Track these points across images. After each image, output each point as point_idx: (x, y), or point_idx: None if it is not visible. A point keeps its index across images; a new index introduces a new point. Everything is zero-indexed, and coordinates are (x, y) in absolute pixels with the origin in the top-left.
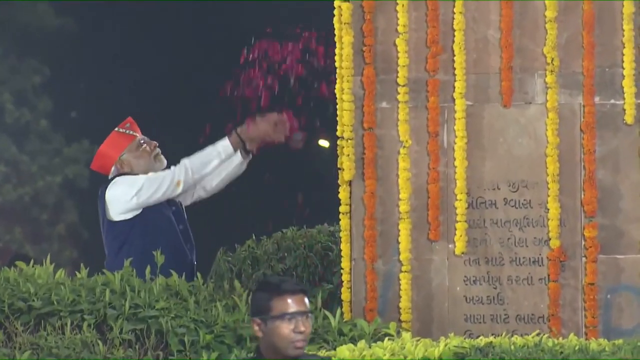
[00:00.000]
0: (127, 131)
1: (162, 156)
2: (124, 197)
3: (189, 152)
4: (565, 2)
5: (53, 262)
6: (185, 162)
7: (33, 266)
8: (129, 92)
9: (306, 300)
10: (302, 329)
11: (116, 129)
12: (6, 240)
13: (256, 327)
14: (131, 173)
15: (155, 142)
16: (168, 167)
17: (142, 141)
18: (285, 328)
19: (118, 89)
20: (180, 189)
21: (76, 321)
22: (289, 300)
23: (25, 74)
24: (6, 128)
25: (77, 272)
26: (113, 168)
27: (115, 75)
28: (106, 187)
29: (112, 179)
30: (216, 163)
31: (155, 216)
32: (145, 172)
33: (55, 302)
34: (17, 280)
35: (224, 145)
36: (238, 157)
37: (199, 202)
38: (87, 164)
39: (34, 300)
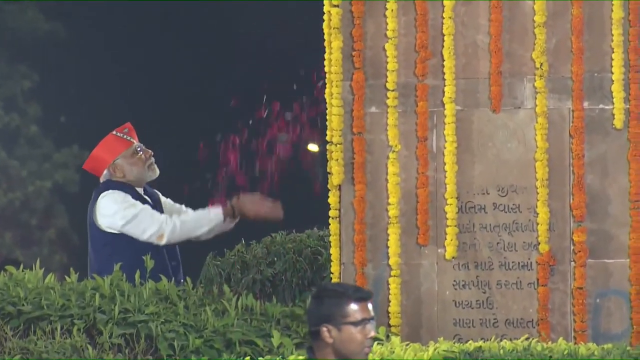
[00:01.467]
0: (125, 136)
1: (155, 166)
2: (113, 217)
3: (179, 161)
4: (555, 6)
5: (43, 267)
6: (177, 222)
7: (23, 271)
8: (118, 97)
9: (371, 306)
10: (373, 333)
11: (113, 132)
12: None
13: (327, 334)
14: (123, 179)
15: (150, 152)
16: (161, 187)
17: (138, 148)
18: (359, 333)
19: (108, 94)
20: (162, 242)
21: (66, 326)
22: (363, 307)
23: (15, 79)
24: None
25: (66, 277)
26: (105, 171)
27: (104, 80)
28: (100, 192)
29: (106, 183)
30: (205, 230)
31: None
32: (138, 180)
33: (45, 307)
34: (7, 284)
35: (217, 214)
36: (228, 223)
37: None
38: (77, 169)
39: (23, 305)
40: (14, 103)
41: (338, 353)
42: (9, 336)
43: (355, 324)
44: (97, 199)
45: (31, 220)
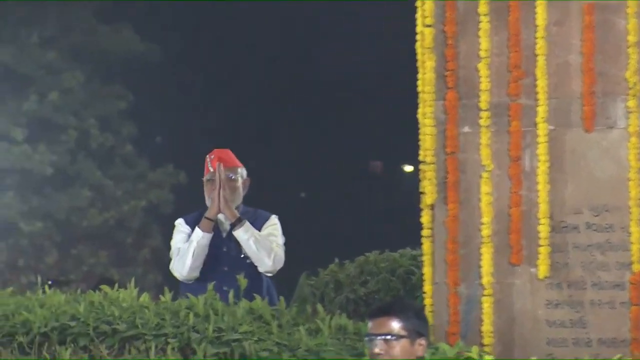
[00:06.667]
0: (208, 162)
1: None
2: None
3: (267, 179)
4: None
5: (137, 286)
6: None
7: (117, 290)
8: (214, 116)
9: (391, 323)
10: (376, 350)
11: (209, 155)
12: (91, 264)
13: None
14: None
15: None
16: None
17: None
18: (368, 347)
19: (203, 115)
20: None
21: (160, 345)
22: (373, 322)
23: (109, 100)
24: (91, 153)
25: (161, 296)
26: None
27: (199, 100)
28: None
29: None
30: (199, 250)
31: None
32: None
33: (139, 326)
34: (102, 303)
35: (197, 234)
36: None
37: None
38: (171, 189)
39: (118, 324)
40: (108, 123)
41: None
42: (104, 355)
43: (367, 336)
44: None
45: (126, 240)
